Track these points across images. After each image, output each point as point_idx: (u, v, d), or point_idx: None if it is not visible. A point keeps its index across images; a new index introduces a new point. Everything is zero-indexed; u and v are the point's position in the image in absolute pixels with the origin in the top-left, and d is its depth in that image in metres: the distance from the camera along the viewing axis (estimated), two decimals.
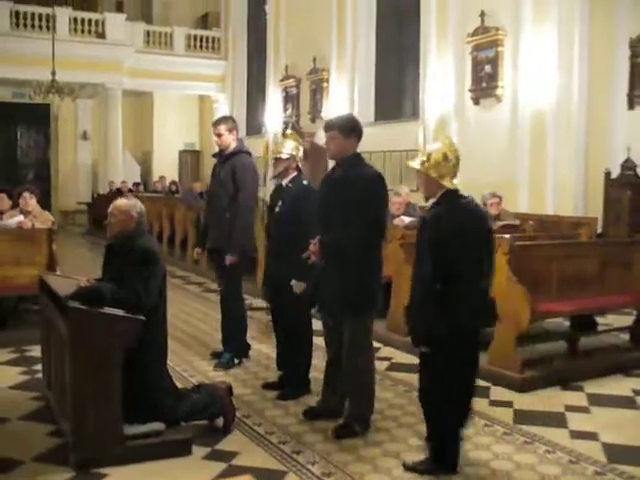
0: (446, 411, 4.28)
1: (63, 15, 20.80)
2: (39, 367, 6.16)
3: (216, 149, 6.75)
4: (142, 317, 4.39)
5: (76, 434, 4.34)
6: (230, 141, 6.57)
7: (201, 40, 23.81)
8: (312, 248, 4.88)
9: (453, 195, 4.26)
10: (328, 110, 17.69)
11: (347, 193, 4.81)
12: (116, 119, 22.48)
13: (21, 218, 7.84)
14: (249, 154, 6.66)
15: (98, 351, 4.30)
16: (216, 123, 6.64)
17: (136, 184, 21.90)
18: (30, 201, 8.22)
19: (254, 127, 22.67)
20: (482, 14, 12.57)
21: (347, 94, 17.08)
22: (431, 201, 4.33)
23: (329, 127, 5.04)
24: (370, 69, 17.01)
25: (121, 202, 4.86)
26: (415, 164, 4.32)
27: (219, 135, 6.57)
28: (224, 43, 23.86)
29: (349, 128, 4.98)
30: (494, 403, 5.70)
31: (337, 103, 17.33)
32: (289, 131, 6.65)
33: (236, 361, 6.62)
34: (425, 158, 4.26)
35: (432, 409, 4.32)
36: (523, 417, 5.37)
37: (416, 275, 4.19)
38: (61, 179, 24.64)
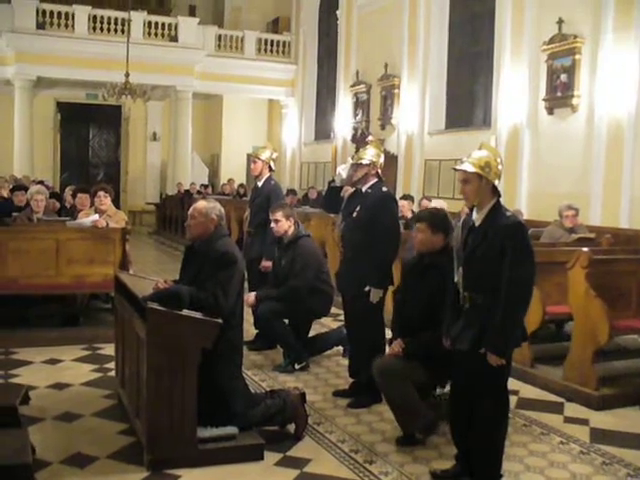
0: (502, 423, 4.21)
1: (138, 19, 21.13)
2: (111, 365, 6.25)
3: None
4: (220, 320, 4.39)
5: (150, 434, 4.36)
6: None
7: (272, 44, 23.91)
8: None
9: (501, 204, 4.15)
10: (399, 117, 17.62)
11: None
12: (186, 121, 22.75)
13: (96, 217, 7.92)
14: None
15: (175, 353, 4.32)
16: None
17: (204, 186, 22.12)
18: (105, 200, 8.31)
19: (323, 132, 22.66)
20: (560, 21, 12.31)
21: (418, 101, 16.94)
22: (477, 210, 4.15)
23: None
24: (442, 76, 16.83)
25: (201, 204, 4.86)
26: (472, 168, 4.08)
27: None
28: (294, 48, 23.93)
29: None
30: (569, 420, 5.57)
31: (408, 110, 17.22)
32: (370, 138, 6.61)
33: (297, 366, 6.63)
34: (483, 164, 4.07)
35: (494, 425, 4.19)
36: (600, 436, 5.22)
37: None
38: (130, 179, 25.07)
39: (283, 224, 6.75)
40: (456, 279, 4.23)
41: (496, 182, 4.09)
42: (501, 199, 4.16)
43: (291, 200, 13.61)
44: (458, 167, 4.16)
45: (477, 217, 4.13)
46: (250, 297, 6.68)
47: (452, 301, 4.28)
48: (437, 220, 5.05)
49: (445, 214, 5.23)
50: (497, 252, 3.96)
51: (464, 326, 4.11)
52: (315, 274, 6.73)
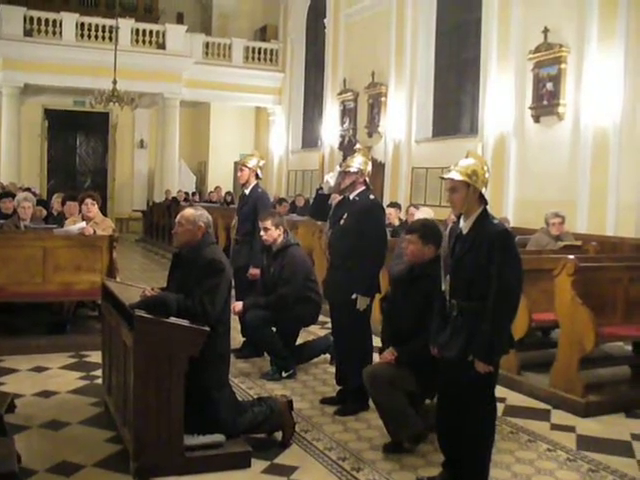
0: (490, 431, 4.22)
1: (125, 26, 21.11)
2: (98, 372, 6.24)
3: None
4: (207, 328, 4.39)
5: (137, 442, 4.35)
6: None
7: (259, 52, 23.92)
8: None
9: (488, 212, 4.17)
10: (386, 125, 17.65)
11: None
12: (173, 129, 22.73)
13: (83, 225, 7.90)
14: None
15: (162, 360, 4.31)
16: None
17: (192, 193, 22.12)
18: (92, 207, 8.29)
19: (310, 140, 22.71)
20: (545, 30, 12.39)
21: (405, 109, 16.99)
22: (464, 218, 4.17)
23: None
24: (429, 84, 16.88)
25: (188, 212, 4.86)
26: (459, 176, 4.10)
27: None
28: (282, 55, 23.96)
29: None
30: (556, 427, 5.59)
31: (395, 118, 17.27)
32: (358, 146, 6.64)
33: (284, 374, 6.63)
34: (470, 172, 4.10)
35: (480, 433, 4.20)
36: (587, 443, 5.24)
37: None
38: (117, 187, 24.97)
39: (272, 232, 6.76)
40: (443, 287, 4.24)
41: (483, 190, 4.12)
42: (488, 207, 4.19)
43: (282, 209, 13.60)
44: (445, 176, 4.19)
45: (464, 225, 4.15)
46: (237, 306, 6.69)
47: (439, 309, 4.29)
48: (428, 231, 5.07)
49: (436, 225, 5.24)
50: (484, 260, 3.98)
51: (452, 334, 4.13)
52: (303, 282, 6.75)
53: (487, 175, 4.15)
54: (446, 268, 4.22)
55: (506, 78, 13.58)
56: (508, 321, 4.03)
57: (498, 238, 4.00)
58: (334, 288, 5.83)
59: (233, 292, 5.29)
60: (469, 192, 4.08)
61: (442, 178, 4.29)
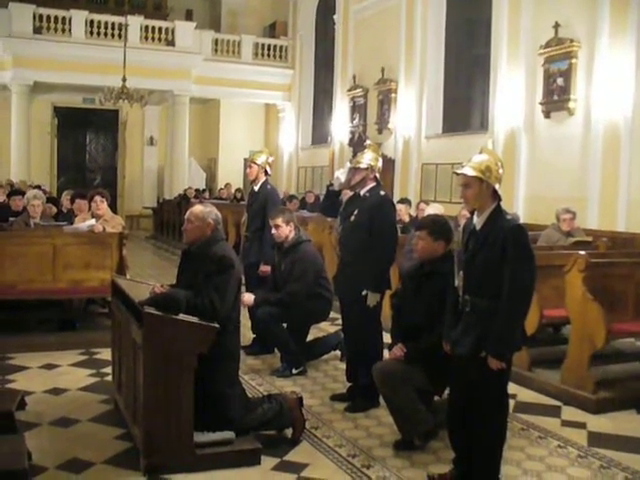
0: (501, 428, 4.19)
1: (135, 23, 21.12)
2: (108, 370, 6.25)
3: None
4: (216, 325, 4.39)
5: (147, 439, 4.35)
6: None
7: (269, 49, 23.92)
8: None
9: (501, 208, 4.14)
10: (396, 121, 17.63)
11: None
12: (183, 126, 22.78)
13: (93, 222, 7.91)
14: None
15: (171, 357, 4.31)
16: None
17: (202, 190, 22.14)
18: (102, 205, 8.30)
19: (320, 136, 22.70)
20: (556, 25, 12.34)
21: (415, 105, 16.96)
22: (478, 214, 4.15)
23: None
24: (439, 80, 16.84)
25: (197, 209, 4.86)
26: (473, 172, 4.08)
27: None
28: (291, 52, 23.95)
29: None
30: (566, 423, 5.56)
31: (405, 114, 17.25)
32: (369, 142, 6.62)
33: (294, 371, 6.63)
34: (484, 168, 4.08)
35: (494, 430, 4.18)
36: (598, 440, 5.21)
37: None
38: (127, 184, 24.96)
39: (284, 229, 6.75)
40: (457, 283, 4.22)
41: (497, 186, 4.09)
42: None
43: (292, 205, 13.60)
44: (459, 171, 4.16)
45: (478, 221, 4.13)
46: (250, 298, 6.66)
47: (452, 305, 4.27)
48: (438, 227, 5.05)
49: (446, 221, 5.22)
50: (498, 255, 3.96)
51: (464, 330, 4.11)
52: (315, 279, 6.74)
53: (501, 171, 4.13)
54: (459, 264, 4.20)
55: (516, 73, 13.53)
56: (521, 317, 4.01)
57: (512, 234, 3.98)
58: (344, 284, 5.82)
59: (243, 289, 5.28)
60: (482, 188, 4.06)
61: (455, 173, 4.26)
